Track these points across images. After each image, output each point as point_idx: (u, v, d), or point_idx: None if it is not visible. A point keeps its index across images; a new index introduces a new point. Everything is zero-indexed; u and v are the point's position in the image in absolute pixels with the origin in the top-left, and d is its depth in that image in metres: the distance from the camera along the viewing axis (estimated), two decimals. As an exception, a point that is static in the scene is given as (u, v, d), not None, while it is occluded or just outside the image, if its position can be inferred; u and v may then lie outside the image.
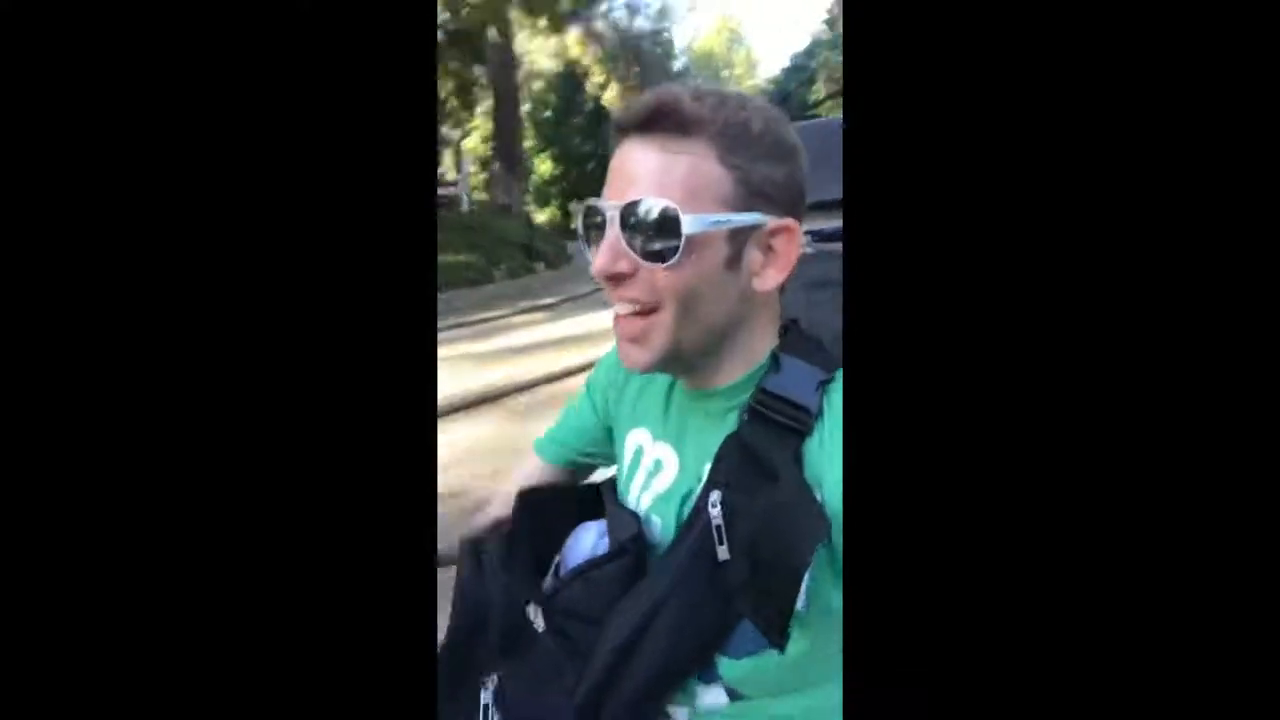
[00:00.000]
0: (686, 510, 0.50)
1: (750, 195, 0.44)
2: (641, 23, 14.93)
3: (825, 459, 0.44)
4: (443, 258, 6.80)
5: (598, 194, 0.46)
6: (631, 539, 0.50)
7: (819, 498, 0.41)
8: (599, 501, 0.59)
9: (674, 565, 0.46)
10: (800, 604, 0.42)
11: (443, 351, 4.19)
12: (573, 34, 14.38)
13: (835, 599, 0.43)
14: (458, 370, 3.84)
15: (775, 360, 0.49)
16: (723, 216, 0.43)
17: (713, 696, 0.48)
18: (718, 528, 0.44)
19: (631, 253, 0.44)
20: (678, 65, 20.03)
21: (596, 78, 18.41)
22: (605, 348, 0.61)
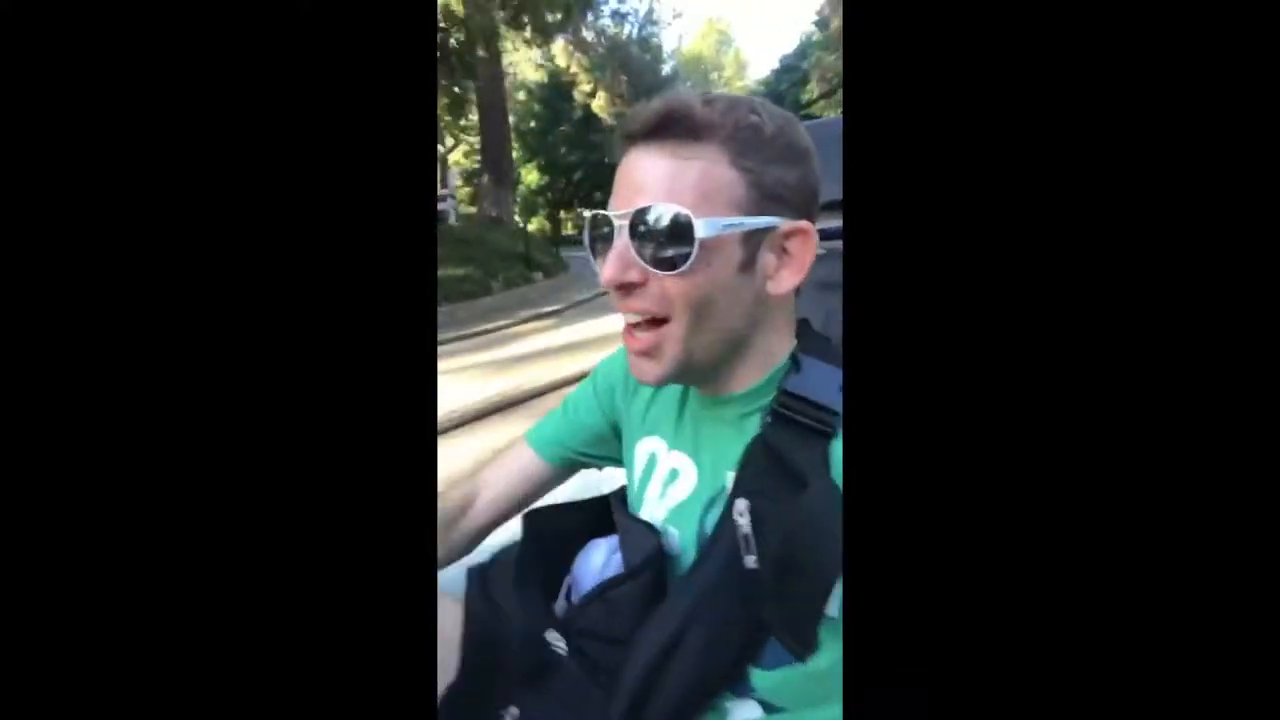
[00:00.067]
0: (709, 520, 0.49)
1: (763, 198, 0.44)
2: (629, 29, 15.15)
3: None
4: (440, 271, 6.88)
5: (585, 203, 0.45)
6: (651, 555, 0.49)
7: None
8: (606, 514, 0.58)
9: (701, 578, 0.45)
10: (834, 610, 0.42)
11: (451, 363, 4.27)
12: (559, 44, 14.59)
13: None
14: (469, 380, 3.87)
15: (795, 361, 0.49)
16: (736, 220, 0.43)
17: (747, 711, 0.47)
18: (745, 536, 0.44)
19: (641, 261, 0.43)
20: (666, 70, 20.27)
21: (584, 86, 18.65)
22: (614, 350, 0.61)
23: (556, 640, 0.48)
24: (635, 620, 0.47)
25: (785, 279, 0.46)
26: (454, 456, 2.59)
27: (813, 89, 18.57)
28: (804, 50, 21.11)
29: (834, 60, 18.33)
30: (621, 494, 0.60)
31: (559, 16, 10.54)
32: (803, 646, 0.42)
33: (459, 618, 0.54)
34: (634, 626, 0.46)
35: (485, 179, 11.81)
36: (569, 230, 19.36)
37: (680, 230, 0.42)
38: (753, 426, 0.49)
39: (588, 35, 15.07)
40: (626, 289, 0.45)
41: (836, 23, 18.16)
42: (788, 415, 0.46)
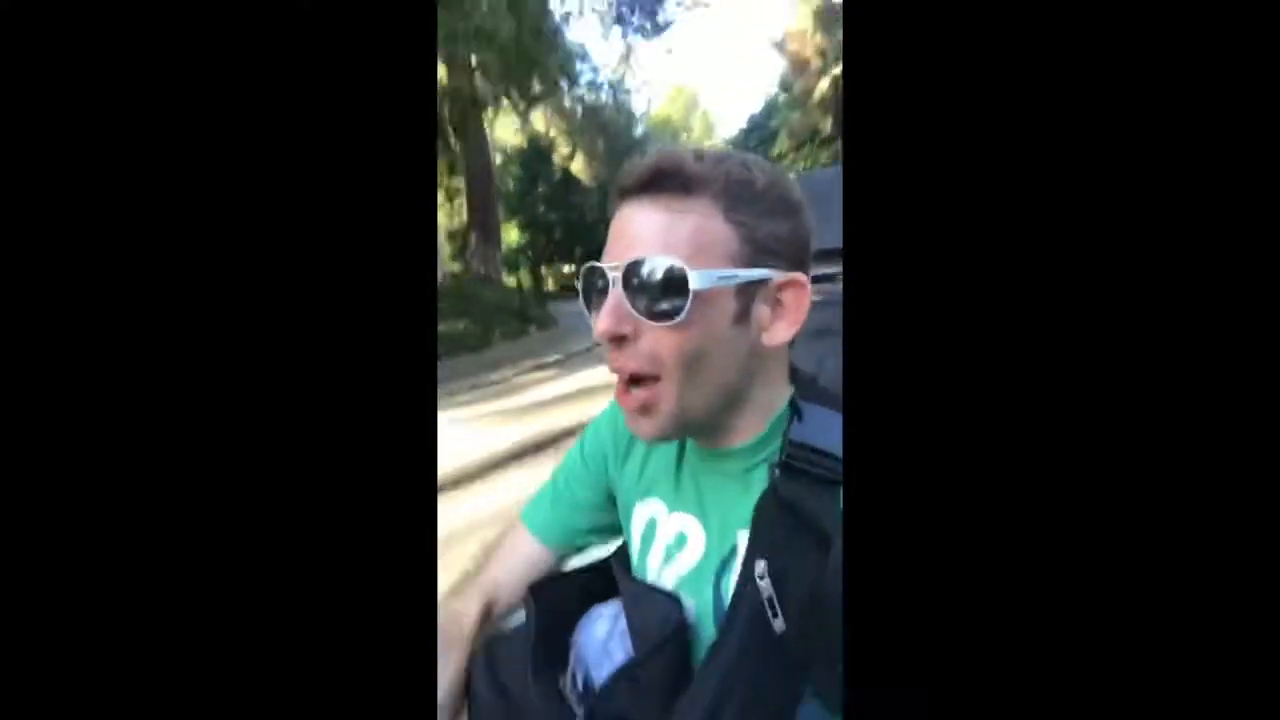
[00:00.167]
0: (725, 585, 0.48)
1: (757, 251, 0.45)
2: (604, 96, 16.33)
3: None
4: (441, 325, 7.33)
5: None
6: (675, 627, 0.48)
7: None
8: (605, 579, 0.58)
9: (728, 650, 0.45)
10: None
11: (462, 413, 4.54)
12: (538, 111, 15.66)
13: None
14: (486, 427, 4.07)
15: (795, 409, 0.49)
16: (730, 272, 0.44)
17: None
18: (769, 599, 0.43)
19: (635, 313, 0.44)
20: (638, 132, 21.60)
21: (563, 150, 19.80)
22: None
23: None
24: (664, 700, 0.46)
25: (780, 331, 0.47)
26: (484, 504, 2.71)
27: (784, 141, 19.80)
28: (770, 110, 22.62)
29: (799, 118, 19.75)
30: (622, 556, 0.59)
31: (540, 88, 11.47)
32: (840, 703, 0.40)
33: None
34: (663, 707, 0.45)
35: (474, 238, 12.43)
36: (550, 287, 20.09)
37: (674, 282, 0.42)
38: (760, 480, 0.48)
39: (566, 103, 16.23)
40: (619, 341, 0.45)
41: (800, 84, 19.68)
42: (796, 466, 0.46)
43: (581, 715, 0.47)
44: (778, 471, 0.46)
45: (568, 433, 3.78)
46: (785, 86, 21.14)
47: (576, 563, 0.63)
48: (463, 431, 3.93)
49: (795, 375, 0.53)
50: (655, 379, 0.46)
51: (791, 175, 0.50)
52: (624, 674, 0.48)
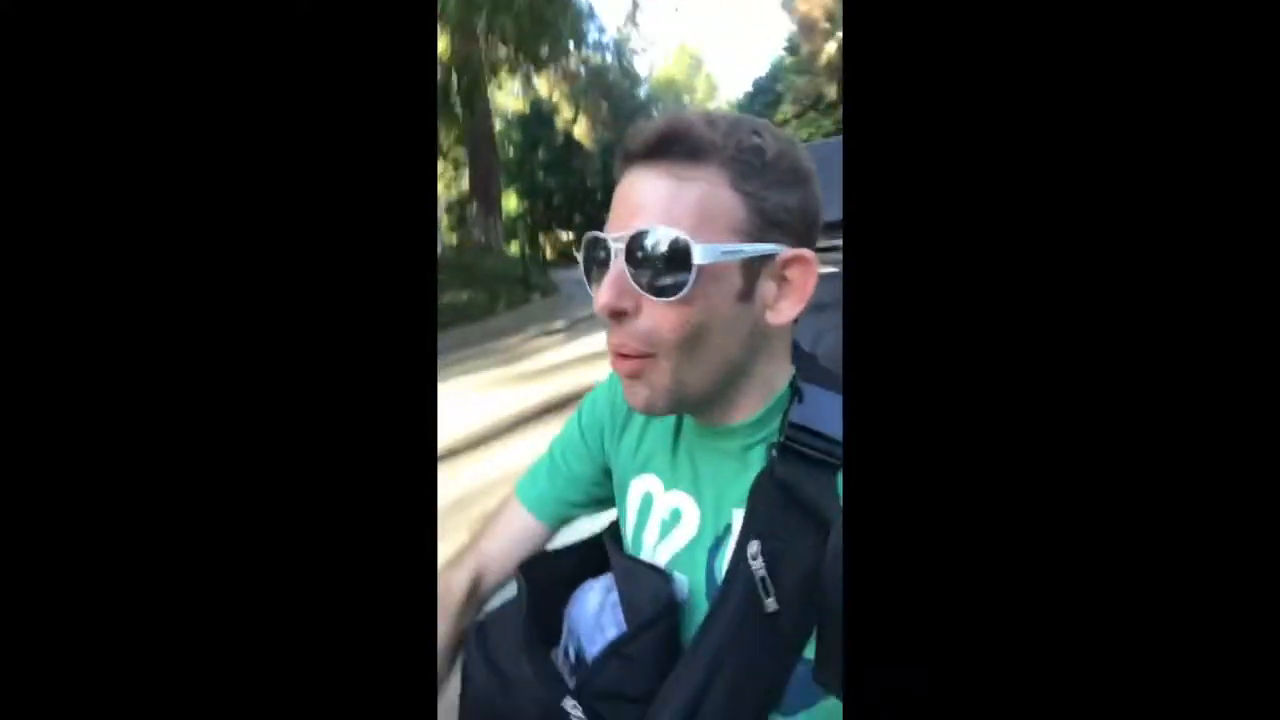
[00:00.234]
0: (718, 563, 0.49)
1: (764, 224, 0.44)
2: (609, 58, 16.24)
3: None
4: (444, 297, 7.58)
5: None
6: (667, 603, 0.49)
7: None
8: (598, 554, 0.58)
9: (720, 626, 0.46)
10: None
11: (472, 380, 4.83)
12: (542, 76, 15.61)
13: None
14: (489, 396, 4.31)
15: (795, 389, 0.49)
16: (735, 246, 0.43)
17: None
18: (762, 579, 0.44)
19: (637, 288, 0.44)
20: (642, 94, 21.45)
21: (565, 114, 19.71)
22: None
23: (575, 709, 0.47)
24: (654, 676, 0.47)
25: (785, 309, 0.47)
26: (506, 461, 2.97)
27: (787, 110, 19.67)
28: (775, 73, 22.37)
29: (805, 83, 19.57)
30: (614, 532, 0.60)
31: (548, 51, 11.47)
32: (838, 684, 0.41)
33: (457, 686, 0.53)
34: (653, 683, 0.47)
35: (475, 208, 12.57)
36: (549, 256, 20.18)
37: (678, 256, 0.42)
38: (757, 459, 0.49)
39: (572, 65, 16.15)
40: (619, 317, 0.45)
41: (807, 48, 19.46)
42: (795, 448, 0.46)
43: (573, 687, 0.48)
44: (775, 453, 0.47)
45: (575, 396, 3.87)
46: (792, 49, 20.88)
47: (569, 537, 0.64)
48: (474, 398, 4.22)
49: (796, 353, 0.53)
50: (653, 354, 0.46)
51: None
52: (614, 649, 0.49)
